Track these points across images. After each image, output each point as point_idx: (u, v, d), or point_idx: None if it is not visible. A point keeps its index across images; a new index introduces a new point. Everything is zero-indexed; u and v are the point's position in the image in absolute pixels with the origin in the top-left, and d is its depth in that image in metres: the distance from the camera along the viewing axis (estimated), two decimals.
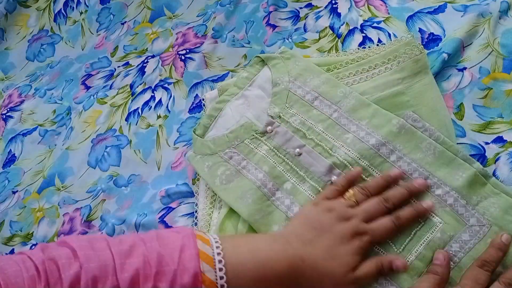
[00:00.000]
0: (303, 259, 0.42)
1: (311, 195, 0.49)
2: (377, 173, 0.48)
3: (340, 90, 0.52)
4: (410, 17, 0.58)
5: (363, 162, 0.49)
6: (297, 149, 0.52)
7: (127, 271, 0.37)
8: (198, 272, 0.38)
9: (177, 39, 0.73)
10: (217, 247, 0.40)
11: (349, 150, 0.50)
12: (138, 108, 0.68)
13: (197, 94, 0.65)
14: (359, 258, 0.43)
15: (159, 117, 0.66)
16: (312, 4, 0.65)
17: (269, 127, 0.54)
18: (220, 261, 0.39)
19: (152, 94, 0.68)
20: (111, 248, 0.38)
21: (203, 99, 0.63)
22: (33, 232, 0.65)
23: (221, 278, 0.39)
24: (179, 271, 0.38)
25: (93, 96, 0.74)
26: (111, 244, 0.39)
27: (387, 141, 0.49)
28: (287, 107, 0.54)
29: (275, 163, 0.52)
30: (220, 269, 0.39)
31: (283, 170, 0.51)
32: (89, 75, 0.78)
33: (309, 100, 0.54)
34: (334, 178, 0.49)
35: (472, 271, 0.41)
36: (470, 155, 0.47)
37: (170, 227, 0.55)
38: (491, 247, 0.42)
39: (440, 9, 0.57)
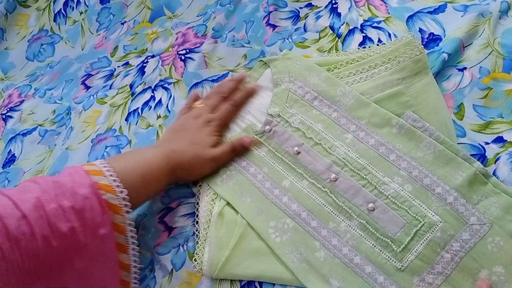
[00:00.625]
0: (174, 151, 0.52)
1: (310, 193, 0.49)
2: (376, 171, 0.48)
3: (340, 89, 0.52)
4: (410, 17, 0.58)
5: (362, 161, 0.49)
6: (296, 148, 0.52)
7: (28, 201, 0.40)
8: (93, 182, 0.44)
9: (177, 39, 0.73)
10: (101, 163, 0.46)
11: (349, 150, 0.50)
12: (138, 108, 0.68)
13: None
14: (214, 139, 0.55)
15: (159, 117, 0.66)
16: (312, 4, 0.65)
17: (267, 127, 0.54)
18: (108, 170, 0.45)
19: (152, 94, 0.68)
20: (4, 192, 0.41)
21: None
22: None
23: (114, 181, 0.45)
24: (76, 187, 0.43)
25: (93, 96, 0.74)
26: (2, 190, 0.41)
27: (387, 140, 0.49)
28: (287, 107, 0.54)
29: (274, 163, 0.52)
30: (111, 175, 0.45)
31: (282, 169, 0.52)
32: (89, 75, 0.78)
33: (309, 99, 0.54)
34: (333, 176, 0.49)
35: None
36: (470, 155, 0.47)
37: (170, 227, 0.55)
38: None
39: (440, 9, 0.57)
